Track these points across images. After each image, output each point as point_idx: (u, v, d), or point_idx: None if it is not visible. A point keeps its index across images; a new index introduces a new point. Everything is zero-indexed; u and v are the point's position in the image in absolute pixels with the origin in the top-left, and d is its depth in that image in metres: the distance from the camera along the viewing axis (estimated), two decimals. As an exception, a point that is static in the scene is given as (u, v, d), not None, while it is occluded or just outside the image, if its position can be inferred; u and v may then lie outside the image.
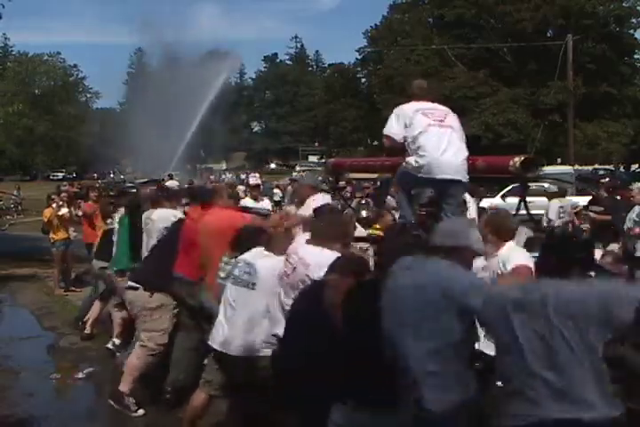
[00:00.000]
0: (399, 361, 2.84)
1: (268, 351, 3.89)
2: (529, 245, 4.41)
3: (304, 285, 3.62)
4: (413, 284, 2.86)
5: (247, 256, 4.16)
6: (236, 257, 4.33)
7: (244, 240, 4.40)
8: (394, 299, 2.91)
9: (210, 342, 4.18)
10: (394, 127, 4.66)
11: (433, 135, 4.51)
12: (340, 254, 3.63)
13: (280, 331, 3.72)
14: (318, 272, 3.56)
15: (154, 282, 5.27)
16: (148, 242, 5.75)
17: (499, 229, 4.06)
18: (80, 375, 6.20)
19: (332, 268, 3.35)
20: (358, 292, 3.06)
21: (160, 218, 5.69)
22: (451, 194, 4.59)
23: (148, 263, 5.55)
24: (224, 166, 66.34)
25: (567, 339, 2.44)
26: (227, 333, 4.07)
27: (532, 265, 3.03)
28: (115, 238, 6.60)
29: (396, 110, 4.74)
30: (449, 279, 2.81)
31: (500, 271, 3.83)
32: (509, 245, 4.05)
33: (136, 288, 5.38)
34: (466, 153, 4.61)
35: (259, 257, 4.10)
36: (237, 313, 4.05)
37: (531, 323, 2.51)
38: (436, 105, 4.76)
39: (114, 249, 6.54)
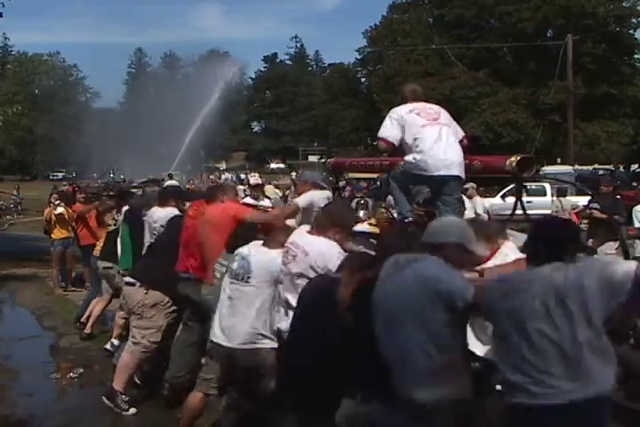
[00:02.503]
0: (390, 358, 2.87)
1: (265, 344, 3.92)
2: None
3: (305, 274, 3.63)
4: (401, 281, 2.89)
5: (243, 250, 4.19)
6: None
7: (239, 240, 4.40)
8: (383, 297, 2.94)
9: (210, 337, 4.18)
10: (388, 130, 4.74)
11: (429, 133, 4.58)
12: (336, 244, 3.68)
13: (282, 325, 3.73)
14: (319, 260, 3.60)
15: (150, 279, 5.28)
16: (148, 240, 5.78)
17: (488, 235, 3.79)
18: (72, 375, 6.21)
19: (342, 265, 3.36)
20: (363, 288, 3.06)
21: (160, 218, 5.70)
22: (448, 190, 4.61)
23: (146, 261, 5.56)
24: (224, 166, 66.43)
25: (565, 318, 2.48)
26: (225, 325, 4.08)
27: None
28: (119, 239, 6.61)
29: (389, 113, 4.83)
30: (435, 276, 2.83)
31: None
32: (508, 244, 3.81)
33: (133, 284, 5.40)
34: (460, 149, 4.66)
35: (254, 251, 4.13)
36: (235, 306, 4.06)
37: (526, 307, 2.56)
38: (427, 104, 4.83)
39: (119, 250, 6.54)
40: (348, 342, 3.05)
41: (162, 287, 5.24)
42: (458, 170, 4.56)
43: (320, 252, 3.65)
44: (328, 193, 5.55)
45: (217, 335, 4.11)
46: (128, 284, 5.48)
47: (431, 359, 2.78)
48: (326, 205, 4.38)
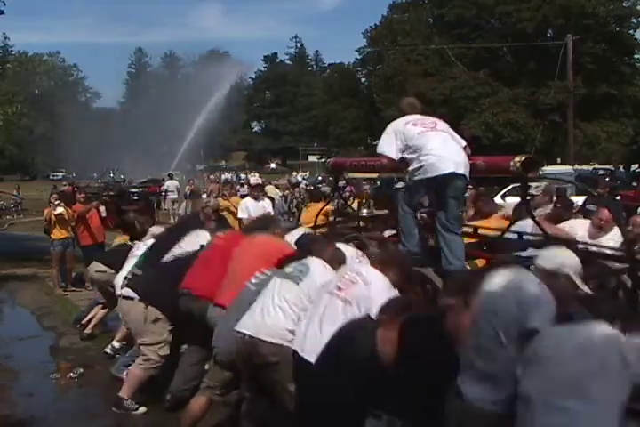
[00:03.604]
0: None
1: (280, 341, 3.87)
2: None
3: (354, 302, 3.59)
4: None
5: (304, 259, 4.18)
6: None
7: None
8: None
9: (237, 327, 4.07)
10: (386, 144, 4.77)
11: (430, 138, 4.59)
12: (393, 288, 3.66)
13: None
14: (376, 296, 3.56)
15: (151, 296, 5.08)
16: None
17: None
18: (72, 375, 6.20)
19: (383, 309, 3.34)
20: (413, 329, 3.04)
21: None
22: (455, 190, 4.57)
23: (148, 274, 5.28)
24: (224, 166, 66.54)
25: None
26: (258, 317, 4.00)
27: None
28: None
29: (387, 128, 4.85)
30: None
31: None
32: None
33: (131, 298, 5.20)
34: (464, 154, 4.64)
35: (316, 261, 4.11)
36: (274, 301, 4.01)
37: None
38: (424, 117, 4.85)
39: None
40: (378, 386, 3.01)
41: (161, 306, 5.03)
42: (465, 170, 4.54)
43: (382, 289, 3.63)
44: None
45: (247, 326, 4.00)
46: (125, 297, 5.28)
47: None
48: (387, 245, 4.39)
